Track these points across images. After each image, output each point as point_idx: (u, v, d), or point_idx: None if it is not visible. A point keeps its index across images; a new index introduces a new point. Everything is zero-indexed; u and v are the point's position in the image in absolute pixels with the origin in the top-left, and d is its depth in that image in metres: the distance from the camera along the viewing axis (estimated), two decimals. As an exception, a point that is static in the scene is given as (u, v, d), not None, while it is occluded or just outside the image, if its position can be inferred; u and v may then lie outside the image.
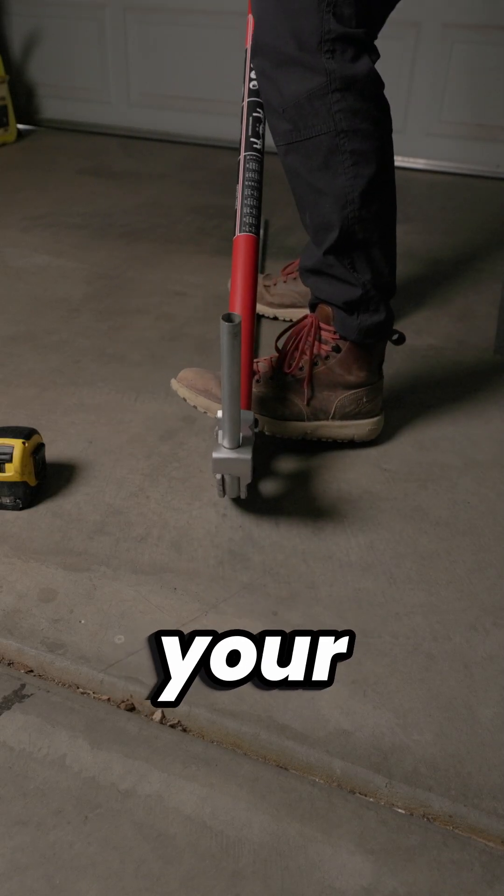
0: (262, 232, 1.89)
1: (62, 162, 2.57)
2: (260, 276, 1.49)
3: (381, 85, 0.91)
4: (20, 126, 2.99)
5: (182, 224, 1.98)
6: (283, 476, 1.03)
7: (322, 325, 1.05)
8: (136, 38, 2.79)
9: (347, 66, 0.86)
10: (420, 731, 0.69)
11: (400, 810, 0.63)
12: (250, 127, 1.01)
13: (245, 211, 0.97)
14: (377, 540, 0.91)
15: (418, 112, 2.43)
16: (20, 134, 2.94)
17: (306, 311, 1.43)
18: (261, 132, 1.01)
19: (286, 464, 1.05)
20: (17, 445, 0.91)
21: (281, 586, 0.84)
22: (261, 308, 1.45)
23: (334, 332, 1.03)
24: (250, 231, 0.97)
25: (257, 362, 1.08)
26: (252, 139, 0.99)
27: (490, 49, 2.27)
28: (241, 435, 0.84)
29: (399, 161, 2.51)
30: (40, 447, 0.96)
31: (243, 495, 0.93)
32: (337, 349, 1.04)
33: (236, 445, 0.84)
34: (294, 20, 0.85)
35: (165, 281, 1.62)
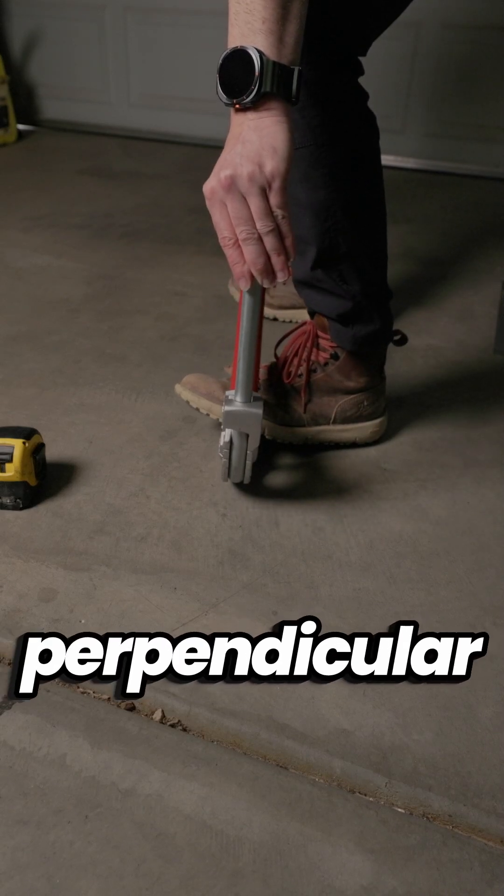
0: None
1: (62, 162, 2.57)
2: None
3: (365, 97, 0.91)
4: (20, 126, 2.99)
5: (182, 224, 1.98)
6: (283, 476, 1.03)
7: (320, 332, 1.05)
8: (136, 38, 2.79)
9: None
10: (420, 730, 0.69)
11: (400, 810, 0.64)
12: None
13: None
14: (377, 540, 0.92)
15: (418, 112, 2.43)
16: (20, 134, 2.94)
17: (306, 313, 1.44)
18: None
19: (286, 464, 1.05)
20: (17, 445, 0.91)
21: (281, 586, 0.84)
22: (261, 308, 1.44)
23: (332, 340, 1.03)
24: None
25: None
26: None
27: (490, 49, 2.27)
28: (252, 394, 0.87)
29: (399, 161, 2.51)
30: (40, 447, 0.97)
31: (247, 478, 0.93)
32: (335, 356, 1.04)
33: (248, 400, 0.86)
34: None
35: (165, 281, 1.62)
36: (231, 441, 0.89)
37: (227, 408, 0.86)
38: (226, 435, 0.89)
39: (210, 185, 0.71)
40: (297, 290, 1.06)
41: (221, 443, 0.90)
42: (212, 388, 1.03)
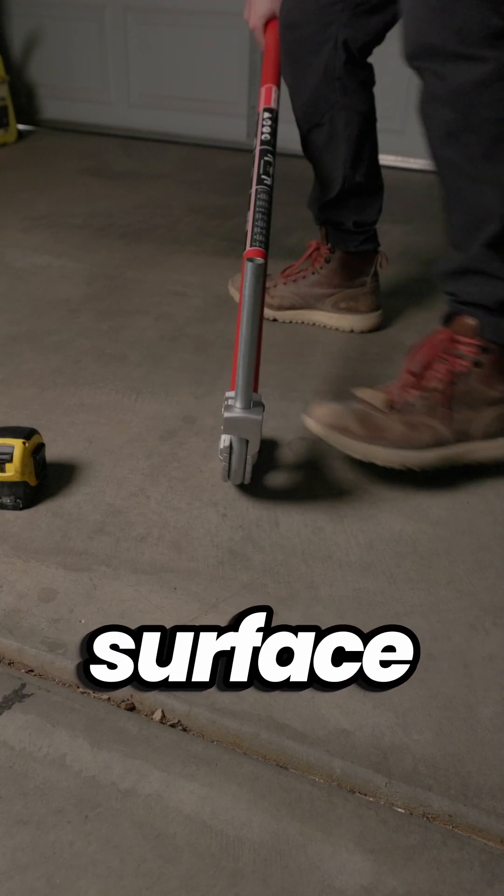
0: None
1: (62, 162, 2.58)
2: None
3: None
4: (20, 126, 3.00)
5: (182, 224, 1.98)
6: (283, 476, 1.03)
7: (459, 338, 0.97)
8: (136, 38, 2.79)
9: None
10: (420, 730, 0.69)
11: (400, 810, 0.63)
12: (261, 168, 1.06)
13: (255, 230, 1.00)
14: (377, 540, 0.92)
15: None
16: (20, 134, 2.94)
17: (306, 313, 1.44)
18: (271, 173, 1.07)
19: (286, 464, 1.05)
20: (17, 445, 0.91)
21: (281, 586, 0.84)
22: (260, 308, 1.44)
23: (475, 345, 0.96)
24: (260, 245, 0.99)
25: (378, 392, 1.00)
26: (263, 176, 1.04)
27: (490, 49, 2.27)
28: (252, 398, 0.86)
29: (399, 161, 2.51)
30: (40, 447, 0.97)
31: (247, 479, 0.93)
32: (478, 363, 0.96)
33: (248, 405, 0.86)
34: (455, 19, 0.86)
35: (165, 281, 1.62)
36: (231, 446, 0.89)
37: (226, 414, 0.86)
38: (225, 440, 0.89)
39: None
40: (441, 288, 1.02)
41: (221, 447, 0.89)
42: (345, 420, 0.94)
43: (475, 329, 0.97)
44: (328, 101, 1.23)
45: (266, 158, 1.10)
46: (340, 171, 1.28)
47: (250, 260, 0.80)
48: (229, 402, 0.87)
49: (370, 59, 1.24)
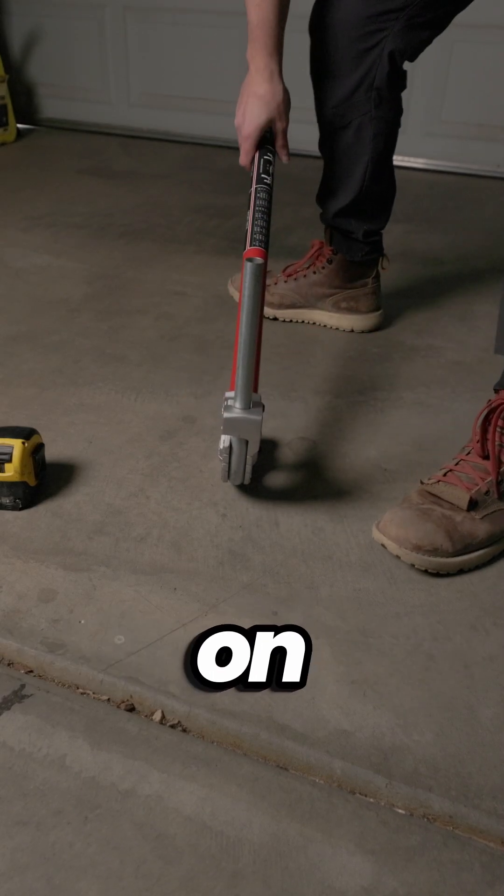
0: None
1: (62, 162, 2.57)
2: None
3: None
4: (20, 126, 2.99)
5: (182, 224, 1.98)
6: (283, 476, 1.03)
7: None
8: (136, 38, 2.79)
9: None
10: (420, 731, 0.69)
11: (400, 811, 0.63)
12: (261, 166, 1.05)
13: (255, 229, 0.99)
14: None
15: (418, 112, 2.43)
16: (20, 134, 2.94)
17: (306, 312, 1.44)
18: (271, 171, 1.05)
19: (286, 464, 1.05)
20: (17, 445, 0.91)
21: (281, 586, 0.84)
22: (261, 308, 1.44)
23: None
24: (260, 244, 0.98)
25: (455, 488, 0.88)
26: (263, 175, 1.03)
27: (490, 49, 2.27)
28: (252, 398, 0.85)
29: (399, 161, 2.50)
30: (40, 447, 0.96)
31: (247, 479, 0.93)
32: None
33: (248, 406, 0.85)
34: None
35: (165, 281, 1.62)
36: (231, 447, 0.89)
37: (226, 415, 0.86)
38: (224, 440, 0.88)
39: None
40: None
41: (221, 447, 0.89)
42: (434, 538, 0.83)
43: None
44: (360, 110, 1.20)
45: (266, 157, 1.10)
46: (359, 178, 1.26)
47: (250, 260, 0.80)
48: (229, 403, 0.87)
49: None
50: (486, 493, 0.87)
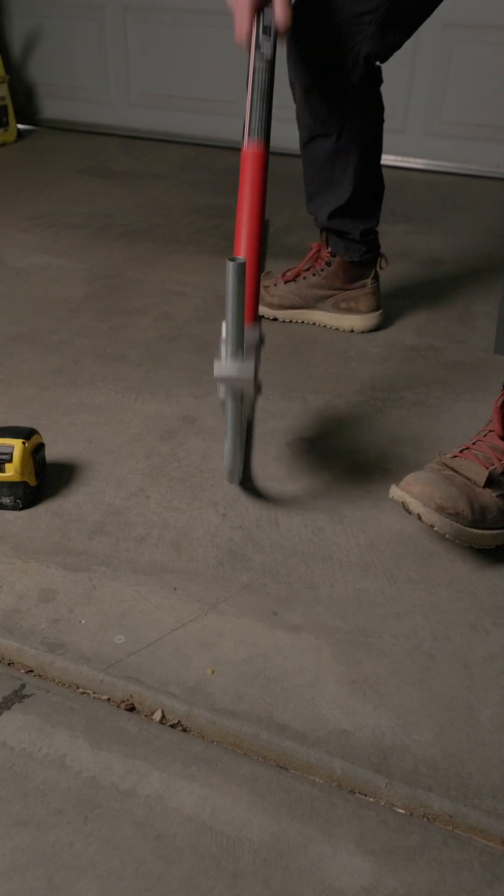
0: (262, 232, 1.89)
1: (62, 162, 2.57)
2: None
3: None
4: (20, 126, 2.99)
5: (182, 224, 1.98)
6: (282, 476, 1.03)
7: None
8: (136, 37, 2.79)
9: None
10: (420, 731, 0.69)
11: (400, 810, 0.63)
12: (260, 40, 0.93)
13: (254, 117, 0.88)
14: (377, 540, 0.91)
15: (418, 112, 2.43)
16: (20, 134, 2.94)
17: (306, 313, 1.44)
18: (273, 46, 0.93)
19: (286, 464, 1.05)
20: (17, 445, 0.91)
21: (281, 586, 0.84)
22: (261, 309, 1.45)
23: None
24: (260, 137, 0.88)
25: (474, 464, 0.89)
26: (262, 51, 0.91)
27: (490, 49, 2.27)
28: (244, 350, 0.78)
29: (399, 161, 2.51)
30: (40, 447, 0.97)
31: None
32: None
33: (239, 357, 0.78)
34: None
35: (165, 281, 1.62)
36: (225, 402, 0.82)
37: (217, 373, 0.78)
38: (221, 390, 0.81)
39: None
40: None
41: (221, 396, 0.82)
42: (457, 502, 0.83)
43: None
44: (340, 113, 1.20)
45: (265, 29, 0.95)
46: (350, 180, 1.26)
47: (231, 259, 0.74)
48: (220, 346, 0.78)
49: None
50: (502, 473, 0.87)
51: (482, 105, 2.36)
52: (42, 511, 0.95)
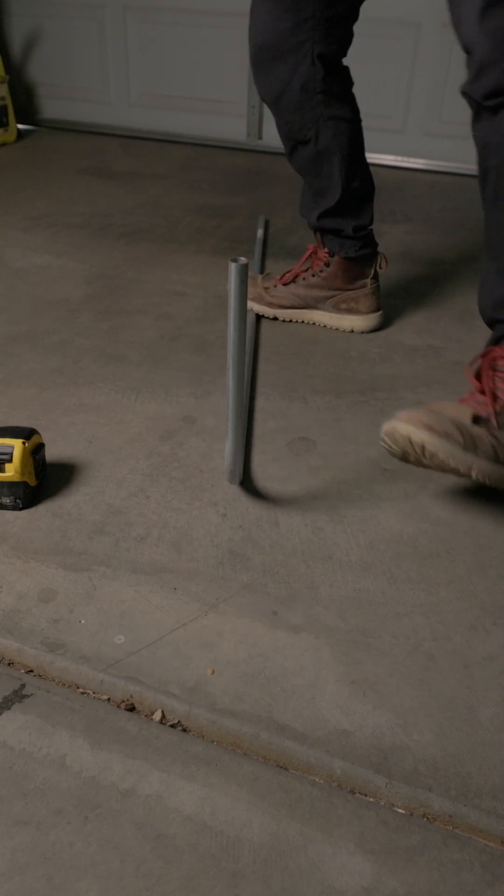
0: (262, 231, 1.89)
1: (62, 162, 2.57)
2: (259, 277, 1.49)
3: None
4: (20, 126, 3.00)
5: (182, 224, 1.98)
6: (282, 476, 1.03)
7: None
8: (136, 37, 2.79)
9: None
10: (420, 731, 0.69)
11: (400, 810, 0.63)
12: None
13: None
14: (377, 540, 0.92)
15: (418, 112, 2.43)
16: (20, 134, 2.94)
17: (306, 313, 1.44)
18: None
19: (286, 464, 1.05)
20: (17, 445, 0.91)
21: (281, 586, 0.84)
22: (261, 308, 1.45)
23: None
24: None
25: (460, 405, 0.94)
26: None
27: (490, 49, 2.27)
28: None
29: (399, 161, 2.51)
30: (40, 447, 0.97)
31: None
32: None
33: None
34: None
35: (165, 281, 1.62)
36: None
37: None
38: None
39: None
40: (494, 313, 0.99)
41: None
42: (447, 426, 0.85)
43: None
44: (313, 116, 1.24)
45: None
46: (338, 180, 1.29)
47: (234, 261, 0.76)
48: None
49: (344, 61, 1.25)
50: (487, 419, 0.90)
51: (482, 105, 2.36)
52: (42, 511, 0.95)
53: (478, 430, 0.88)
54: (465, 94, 0.91)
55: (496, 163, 0.92)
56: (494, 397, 0.93)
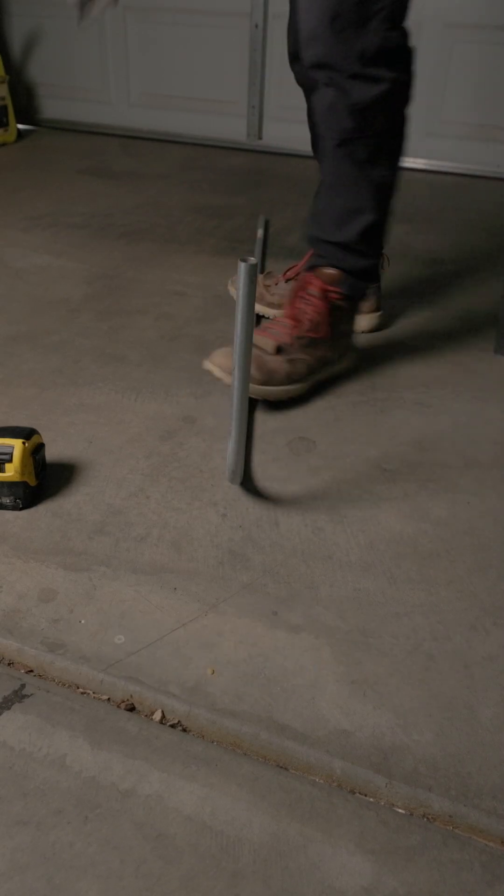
0: (262, 231, 1.89)
1: (62, 162, 2.57)
2: (260, 276, 1.49)
3: None
4: (20, 126, 2.99)
5: (182, 224, 1.98)
6: (282, 476, 1.03)
7: (327, 287, 1.19)
8: (136, 37, 2.79)
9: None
10: (420, 731, 0.69)
11: (400, 810, 0.63)
12: None
13: None
14: (377, 540, 0.91)
15: (418, 112, 2.42)
16: (20, 134, 2.94)
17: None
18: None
19: (286, 464, 1.05)
20: (17, 445, 0.91)
21: (281, 586, 0.84)
22: (261, 308, 1.45)
23: (338, 293, 1.20)
24: None
25: (265, 337, 1.18)
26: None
27: (490, 49, 2.27)
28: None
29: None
30: (40, 447, 0.97)
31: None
32: (337, 307, 1.20)
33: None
34: (357, 43, 1.00)
35: (165, 281, 1.62)
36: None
37: None
38: None
39: None
40: (315, 246, 1.17)
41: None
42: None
43: (335, 279, 1.18)
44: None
45: None
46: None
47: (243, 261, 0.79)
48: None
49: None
50: (290, 344, 1.16)
51: (482, 105, 2.37)
52: (42, 511, 0.95)
53: (273, 364, 1.14)
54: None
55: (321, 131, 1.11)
56: (298, 321, 1.17)
